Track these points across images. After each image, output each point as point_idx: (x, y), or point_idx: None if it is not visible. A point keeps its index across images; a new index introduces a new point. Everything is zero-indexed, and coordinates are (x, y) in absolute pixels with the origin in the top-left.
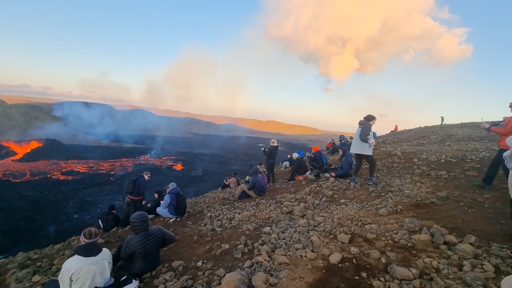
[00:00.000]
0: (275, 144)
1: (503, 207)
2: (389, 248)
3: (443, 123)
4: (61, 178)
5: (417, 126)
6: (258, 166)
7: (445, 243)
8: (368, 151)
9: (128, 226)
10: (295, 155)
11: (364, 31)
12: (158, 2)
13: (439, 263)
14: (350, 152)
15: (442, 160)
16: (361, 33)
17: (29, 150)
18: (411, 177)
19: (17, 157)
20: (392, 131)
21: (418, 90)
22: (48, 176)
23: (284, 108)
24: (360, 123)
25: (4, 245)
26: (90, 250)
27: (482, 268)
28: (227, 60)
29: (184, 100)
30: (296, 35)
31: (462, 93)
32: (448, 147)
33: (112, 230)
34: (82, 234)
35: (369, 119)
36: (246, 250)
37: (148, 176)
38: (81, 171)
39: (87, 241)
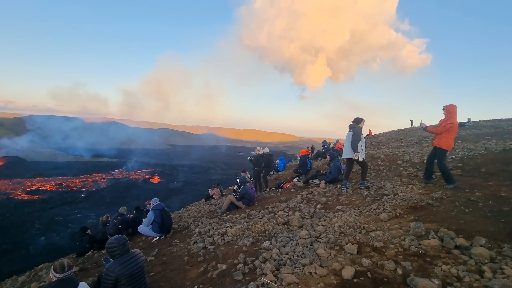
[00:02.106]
0: (261, 152)
1: (497, 205)
2: (401, 257)
3: (413, 126)
4: (26, 198)
5: (390, 130)
6: (242, 174)
7: (457, 247)
8: (361, 155)
9: (104, 249)
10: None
11: (335, 41)
12: (131, 14)
13: (458, 270)
14: (342, 157)
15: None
16: (332, 43)
17: None
18: (401, 179)
19: None
20: (367, 135)
21: (387, 96)
22: (11, 196)
23: (261, 116)
24: (350, 127)
25: None
26: None
27: (504, 272)
28: (203, 71)
29: (160, 111)
30: (270, 45)
31: (425, 97)
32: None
33: (87, 254)
34: (52, 268)
35: (358, 121)
36: (247, 270)
37: (124, 210)
38: (49, 189)
39: (59, 276)
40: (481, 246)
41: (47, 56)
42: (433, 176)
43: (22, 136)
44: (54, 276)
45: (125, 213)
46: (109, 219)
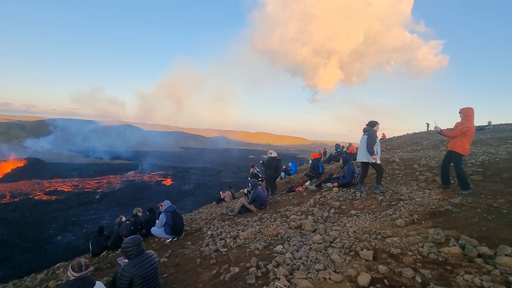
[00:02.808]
0: (273, 155)
1: None
2: (420, 264)
3: (429, 129)
4: (44, 198)
5: (405, 133)
6: (251, 169)
7: (480, 255)
8: (376, 159)
9: (119, 249)
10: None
11: (348, 43)
12: (145, 19)
13: (481, 280)
14: (357, 160)
15: None
16: (345, 45)
17: (9, 170)
18: (417, 184)
19: None
20: (381, 138)
21: (401, 99)
22: (30, 196)
23: (273, 119)
24: (365, 130)
25: None
26: (81, 286)
27: None
28: (215, 74)
29: (173, 115)
30: (282, 48)
31: (442, 100)
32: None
33: (102, 254)
34: (70, 267)
35: (373, 125)
36: (260, 274)
37: (140, 213)
38: (66, 190)
39: (77, 275)
40: (506, 255)
41: (66, 61)
42: (452, 181)
43: (41, 138)
44: (72, 275)
45: (139, 214)
46: (123, 220)
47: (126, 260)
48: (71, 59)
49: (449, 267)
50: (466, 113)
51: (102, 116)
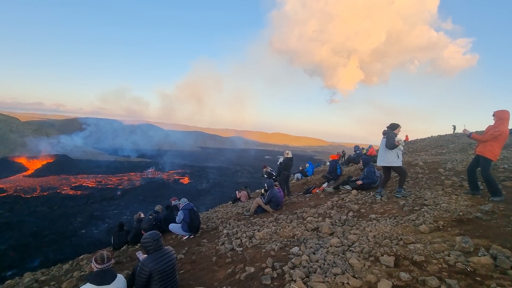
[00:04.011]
0: (290, 155)
1: None
2: (446, 274)
3: (455, 131)
4: (70, 193)
5: (429, 136)
6: (264, 169)
7: None
8: (397, 162)
9: (138, 244)
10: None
11: (369, 43)
12: (166, 21)
13: None
14: (377, 164)
15: None
16: (366, 44)
17: (40, 166)
18: (443, 189)
19: (28, 172)
20: (404, 140)
21: (425, 100)
22: (58, 191)
23: (290, 120)
24: (384, 133)
25: (13, 261)
26: (103, 278)
27: None
28: (234, 75)
29: (192, 115)
30: (301, 48)
31: (471, 101)
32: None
33: (122, 248)
34: (93, 259)
35: (393, 127)
36: (275, 275)
37: (160, 208)
38: (90, 185)
39: (100, 267)
40: None
41: (91, 62)
42: (481, 187)
43: (69, 136)
44: (96, 266)
45: (160, 211)
46: (141, 216)
47: (145, 255)
48: (96, 60)
49: (478, 278)
50: (501, 116)
51: (124, 115)
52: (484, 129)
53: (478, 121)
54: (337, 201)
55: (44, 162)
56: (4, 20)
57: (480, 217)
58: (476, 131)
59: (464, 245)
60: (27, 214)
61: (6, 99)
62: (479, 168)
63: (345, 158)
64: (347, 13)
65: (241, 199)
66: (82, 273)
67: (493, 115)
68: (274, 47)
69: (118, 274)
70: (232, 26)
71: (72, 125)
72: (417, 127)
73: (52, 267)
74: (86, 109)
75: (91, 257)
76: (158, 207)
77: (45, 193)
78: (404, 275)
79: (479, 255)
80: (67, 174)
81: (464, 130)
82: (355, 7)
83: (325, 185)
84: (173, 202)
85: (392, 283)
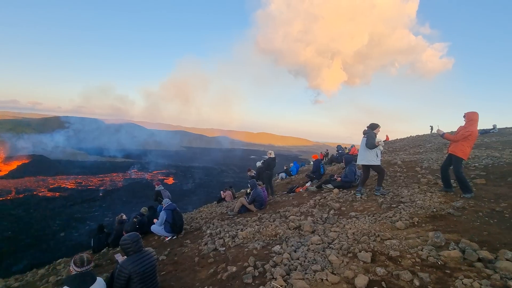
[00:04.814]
0: (272, 155)
1: None
2: (419, 268)
3: (433, 132)
4: (48, 195)
5: (408, 136)
6: (248, 173)
7: (480, 260)
8: (376, 161)
9: (118, 248)
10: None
11: (352, 44)
12: (152, 20)
13: (481, 284)
14: (357, 163)
15: None
16: (349, 46)
17: (15, 167)
18: (419, 187)
19: (2, 174)
20: (384, 140)
21: (405, 101)
22: (35, 193)
23: (275, 120)
24: (365, 132)
25: None
26: (82, 281)
27: None
28: (219, 75)
29: (176, 114)
30: (286, 48)
31: (447, 103)
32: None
33: (102, 251)
34: (72, 261)
35: (373, 127)
36: (257, 274)
37: (145, 211)
38: (69, 187)
39: (79, 270)
40: (507, 260)
41: (71, 61)
42: (454, 184)
43: (46, 135)
44: (74, 269)
45: (145, 214)
46: (123, 218)
47: (124, 257)
48: (77, 58)
49: (448, 271)
50: (470, 117)
51: (106, 114)
52: (456, 130)
53: (454, 121)
54: (319, 200)
55: (20, 163)
56: None
57: (452, 213)
58: (452, 132)
59: (436, 240)
60: (0, 217)
61: None
62: (452, 167)
63: (328, 158)
64: (331, 14)
65: (225, 199)
66: (59, 277)
67: (464, 117)
68: (260, 47)
69: (97, 277)
70: (218, 26)
71: (49, 124)
72: (397, 128)
73: (27, 272)
74: (65, 107)
75: (69, 260)
76: (143, 209)
77: (20, 196)
78: (380, 270)
79: (450, 249)
80: (44, 175)
81: (438, 130)
82: (339, 9)
83: (308, 184)
84: (157, 187)
85: (369, 278)
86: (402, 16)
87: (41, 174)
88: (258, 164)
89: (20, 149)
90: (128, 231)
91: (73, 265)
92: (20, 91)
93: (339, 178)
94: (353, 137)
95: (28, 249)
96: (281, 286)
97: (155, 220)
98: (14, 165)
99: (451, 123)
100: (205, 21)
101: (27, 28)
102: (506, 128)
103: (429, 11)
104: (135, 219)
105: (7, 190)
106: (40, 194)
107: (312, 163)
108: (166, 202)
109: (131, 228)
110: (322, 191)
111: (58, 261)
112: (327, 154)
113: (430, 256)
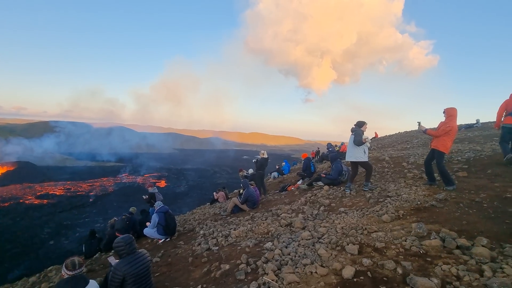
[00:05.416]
0: (265, 155)
1: (502, 206)
2: (402, 257)
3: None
4: (36, 202)
5: (397, 132)
6: (240, 173)
7: (458, 247)
8: (364, 157)
9: (112, 251)
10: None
11: (341, 43)
12: (139, 21)
13: (458, 269)
14: (345, 160)
15: None
16: (338, 45)
17: None
18: (405, 181)
19: None
20: (373, 137)
21: (393, 98)
22: (21, 201)
23: (266, 119)
24: (352, 130)
25: None
26: (75, 285)
27: (504, 272)
28: (209, 75)
29: (166, 116)
30: (276, 48)
31: (433, 99)
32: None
33: (95, 256)
34: (64, 265)
35: (360, 125)
36: (249, 270)
37: (134, 210)
38: (58, 193)
39: (71, 273)
40: (482, 246)
41: (57, 64)
42: (437, 178)
43: (34, 140)
44: (66, 273)
45: (134, 213)
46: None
47: (117, 260)
48: (62, 62)
49: (429, 259)
50: (450, 113)
51: (94, 118)
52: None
53: (440, 117)
54: (310, 197)
55: (4, 170)
56: None
57: (435, 205)
58: (433, 128)
59: (418, 230)
60: None
61: None
62: (435, 161)
63: (319, 156)
64: (320, 13)
65: (219, 199)
66: (51, 284)
67: (444, 112)
68: (249, 47)
69: (90, 280)
70: (206, 26)
71: (35, 130)
72: (387, 124)
73: (17, 281)
74: (51, 112)
75: (60, 267)
76: (132, 209)
77: (5, 204)
78: (366, 261)
79: (431, 238)
80: (31, 182)
81: (420, 126)
82: (327, 8)
83: (299, 182)
84: (150, 190)
85: (355, 268)
86: (389, 15)
87: (27, 181)
88: (251, 171)
89: (4, 155)
90: (119, 229)
91: (65, 269)
92: (3, 96)
93: (323, 174)
94: (344, 135)
95: (17, 259)
96: (272, 280)
97: (147, 223)
98: None
99: (437, 119)
100: (193, 21)
101: (8, 30)
102: (489, 122)
103: (414, 10)
104: (124, 217)
105: None
106: (27, 202)
107: (302, 161)
108: (158, 204)
109: (122, 226)
110: (313, 189)
111: (49, 268)
112: (318, 152)
113: (413, 246)
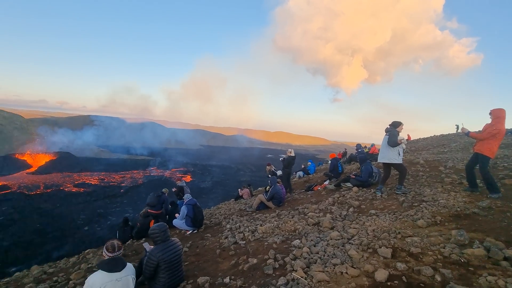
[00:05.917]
0: (292, 154)
1: None
2: (441, 264)
3: (458, 131)
4: (74, 190)
5: (432, 135)
6: (268, 167)
7: (505, 258)
8: (398, 159)
9: (143, 239)
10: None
11: (374, 41)
12: (168, 21)
13: (506, 282)
14: (378, 161)
15: None
16: (371, 43)
17: (43, 163)
18: (442, 186)
19: (32, 169)
20: (406, 139)
21: (428, 99)
22: (61, 188)
23: (292, 119)
24: (387, 130)
25: (17, 258)
26: (114, 265)
27: None
28: (237, 73)
29: (195, 113)
30: (305, 46)
31: (474, 101)
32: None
33: (127, 242)
34: (105, 247)
35: (396, 125)
36: (277, 266)
37: (166, 191)
38: (93, 183)
39: (111, 255)
40: None
41: (96, 60)
42: (480, 184)
43: (73, 133)
44: (107, 254)
45: (166, 193)
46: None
47: (152, 246)
48: (99, 57)
49: (471, 268)
50: (497, 115)
51: (128, 113)
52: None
53: (481, 120)
54: (338, 198)
55: (48, 160)
56: (5, 15)
57: (477, 212)
58: (478, 131)
59: (459, 238)
60: (30, 211)
61: (10, 97)
62: (478, 166)
63: (347, 157)
64: (352, 10)
65: (243, 196)
66: (90, 265)
67: (490, 114)
68: (278, 45)
69: (127, 263)
70: (235, 23)
71: (75, 123)
72: (420, 127)
73: (58, 261)
74: (89, 107)
75: (96, 251)
76: (164, 189)
77: (48, 190)
78: (401, 265)
79: (473, 247)
80: (70, 171)
81: (463, 129)
82: (360, 5)
83: (326, 182)
84: (179, 183)
85: (389, 272)
86: (428, 11)
87: (67, 170)
88: (279, 173)
89: (48, 146)
90: (150, 204)
91: (106, 251)
92: (49, 91)
93: (353, 176)
94: (373, 136)
95: (55, 241)
96: (301, 277)
97: (176, 215)
98: (42, 161)
99: (479, 122)
100: (223, 19)
101: (53, 34)
102: None
103: (456, 5)
104: (156, 194)
105: (36, 185)
106: (66, 189)
107: (329, 162)
108: (187, 197)
109: (152, 201)
110: (341, 190)
111: (87, 251)
112: (345, 153)
113: (453, 253)
